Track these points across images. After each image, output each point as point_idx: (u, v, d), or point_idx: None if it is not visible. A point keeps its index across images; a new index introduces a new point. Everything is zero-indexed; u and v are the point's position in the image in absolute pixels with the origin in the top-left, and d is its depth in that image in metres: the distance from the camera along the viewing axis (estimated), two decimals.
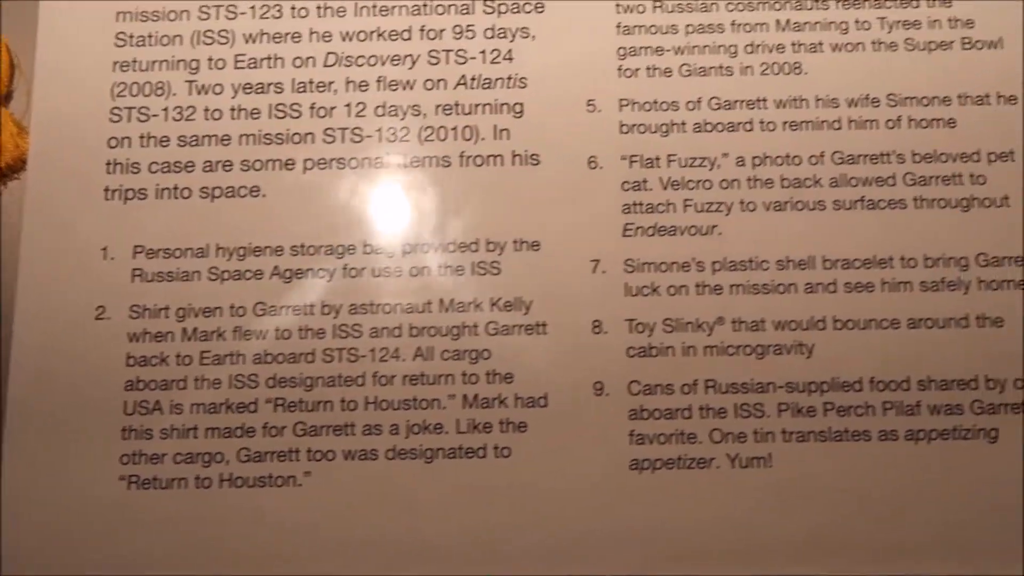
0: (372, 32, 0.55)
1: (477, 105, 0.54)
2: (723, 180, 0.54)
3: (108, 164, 0.53)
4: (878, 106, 0.54)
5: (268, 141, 0.54)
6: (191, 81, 0.55)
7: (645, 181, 0.53)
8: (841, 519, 0.50)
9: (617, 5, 0.56)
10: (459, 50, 0.55)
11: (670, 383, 0.52)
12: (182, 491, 0.51)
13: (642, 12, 0.56)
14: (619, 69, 0.55)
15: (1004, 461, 0.51)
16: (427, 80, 0.55)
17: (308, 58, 0.55)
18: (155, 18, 0.56)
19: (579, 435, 0.51)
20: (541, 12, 0.56)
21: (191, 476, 0.51)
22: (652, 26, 0.55)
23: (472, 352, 0.52)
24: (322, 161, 0.54)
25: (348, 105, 0.54)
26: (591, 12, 0.55)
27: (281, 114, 0.54)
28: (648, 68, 0.55)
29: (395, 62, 0.55)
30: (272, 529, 0.50)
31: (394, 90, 0.55)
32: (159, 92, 0.55)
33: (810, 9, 0.56)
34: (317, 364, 0.52)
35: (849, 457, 0.51)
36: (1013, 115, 0.54)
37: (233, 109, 0.54)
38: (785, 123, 0.54)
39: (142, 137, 0.54)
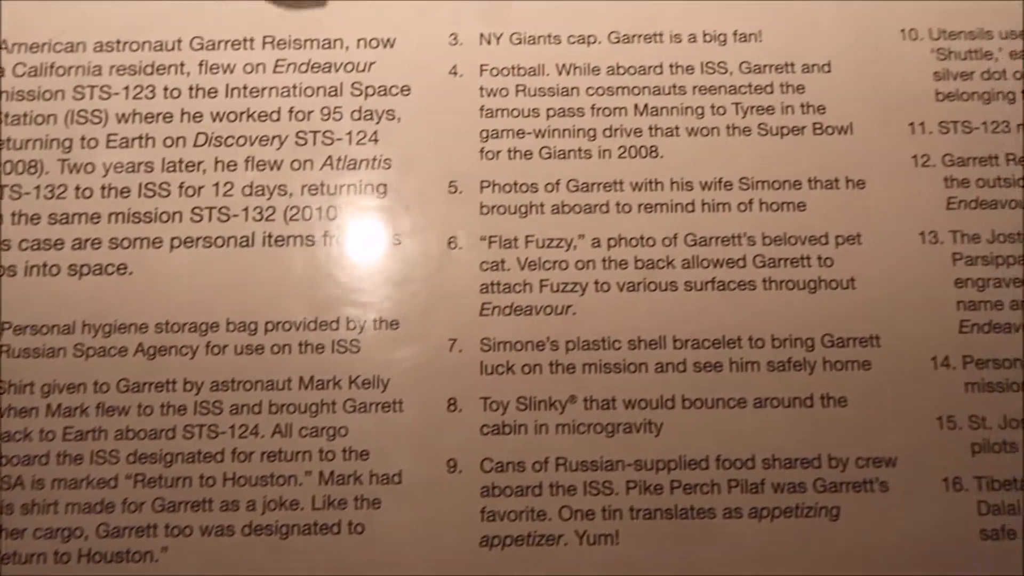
0: (242, 113, 0.57)
1: (342, 186, 0.56)
2: (579, 261, 0.55)
3: None
4: (731, 189, 0.56)
5: (137, 219, 0.55)
6: (63, 160, 0.56)
7: (503, 261, 0.55)
8: None
9: (481, 89, 0.57)
10: (326, 131, 0.57)
11: (522, 460, 0.53)
12: (41, 565, 0.51)
13: (505, 96, 0.57)
14: (481, 151, 0.56)
15: (845, 539, 0.52)
16: (294, 160, 0.56)
17: (179, 138, 0.56)
18: (31, 97, 0.57)
19: (431, 512, 0.52)
20: (407, 95, 0.57)
21: (50, 551, 0.52)
22: (515, 109, 0.57)
23: (330, 429, 0.53)
24: (188, 239, 0.55)
25: (216, 184, 0.56)
26: (456, 95, 0.57)
27: (151, 193, 0.56)
28: (509, 151, 0.56)
29: (263, 143, 0.56)
30: None
31: (261, 170, 0.56)
32: (32, 170, 0.56)
33: (668, 94, 0.57)
34: (177, 440, 0.53)
35: (694, 535, 0.52)
36: (861, 199, 0.56)
37: (104, 187, 0.56)
38: (640, 205, 0.56)
39: (13, 215, 0.55)
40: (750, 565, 0.52)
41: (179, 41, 0.57)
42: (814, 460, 0.53)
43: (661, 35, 0.58)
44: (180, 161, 0.56)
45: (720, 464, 0.53)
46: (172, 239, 0.55)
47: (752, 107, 0.57)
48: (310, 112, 0.57)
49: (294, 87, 0.57)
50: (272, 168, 0.56)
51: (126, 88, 0.57)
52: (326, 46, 0.58)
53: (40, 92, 0.57)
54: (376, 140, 0.57)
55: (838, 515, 0.52)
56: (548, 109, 0.57)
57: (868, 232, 0.56)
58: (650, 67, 0.58)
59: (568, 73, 0.58)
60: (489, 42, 0.58)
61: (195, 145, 0.56)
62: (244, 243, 0.55)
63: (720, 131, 0.57)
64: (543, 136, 0.57)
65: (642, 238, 0.55)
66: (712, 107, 0.57)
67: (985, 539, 0.52)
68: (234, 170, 0.56)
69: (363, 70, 0.57)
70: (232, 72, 0.57)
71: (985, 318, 0.55)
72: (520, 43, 0.58)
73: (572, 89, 0.57)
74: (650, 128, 0.57)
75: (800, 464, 0.53)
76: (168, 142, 0.57)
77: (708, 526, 0.52)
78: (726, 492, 0.53)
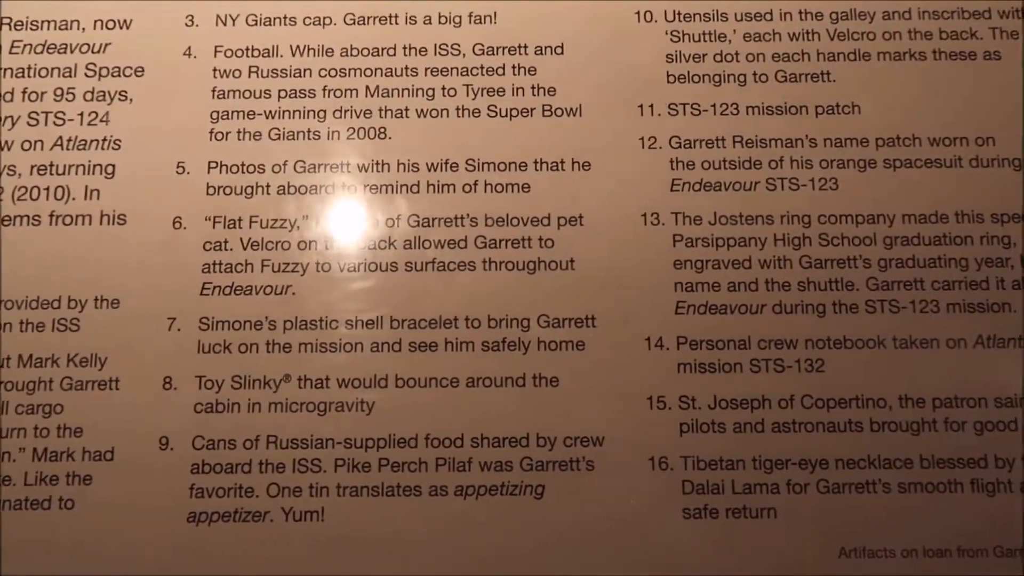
0: None
1: (71, 166, 0.56)
2: (301, 242, 0.56)
3: None
4: (456, 171, 0.56)
5: None
6: None
7: (226, 241, 0.55)
8: (389, 572, 0.52)
9: (215, 70, 0.58)
10: (58, 112, 0.57)
11: (233, 439, 0.53)
12: None
13: (238, 77, 0.57)
14: (211, 132, 0.57)
15: (549, 517, 0.53)
16: (24, 141, 0.56)
17: None
18: None
19: (141, 489, 0.53)
20: (141, 76, 0.57)
21: None
22: (247, 91, 0.57)
23: (46, 406, 0.54)
24: None
25: None
26: (189, 76, 0.57)
27: None
28: (239, 132, 0.57)
29: None
30: None
31: None
32: None
33: (400, 76, 0.58)
34: None
35: (399, 511, 0.53)
36: (586, 180, 0.56)
37: None
38: (366, 186, 0.56)
39: None
40: (454, 541, 0.52)
41: None
42: (522, 439, 0.54)
43: (396, 17, 0.59)
44: None
45: (429, 443, 0.54)
46: None
47: (483, 89, 0.58)
48: (43, 93, 0.57)
49: (28, 68, 0.57)
50: (4, 149, 0.56)
51: None
52: (63, 27, 0.58)
53: None
54: (107, 121, 0.57)
55: (542, 493, 0.53)
56: (280, 90, 0.57)
57: (591, 214, 0.56)
58: (383, 49, 0.58)
59: (302, 55, 0.58)
60: (225, 23, 0.58)
61: None
62: None
63: (450, 112, 0.57)
64: (273, 117, 0.57)
65: (366, 219, 0.56)
66: (443, 89, 0.58)
67: (687, 517, 0.53)
68: None
69: (98, 51, 0.58)
70: None
71: (702, 299, 0.55)
72: (256, 24, 0.58)
73: (305, 71, 0.58)
74: (380, 109, 0.57)
75: (508, 443, 0.54)
76: None
77: (413, 503, 0.53)
78: (433, 470, 0.53)
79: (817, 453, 0.54)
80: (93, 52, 0.58)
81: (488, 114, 0.58)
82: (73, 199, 0.56)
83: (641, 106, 0.58)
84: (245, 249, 0.56)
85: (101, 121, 0.57)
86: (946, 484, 0.53)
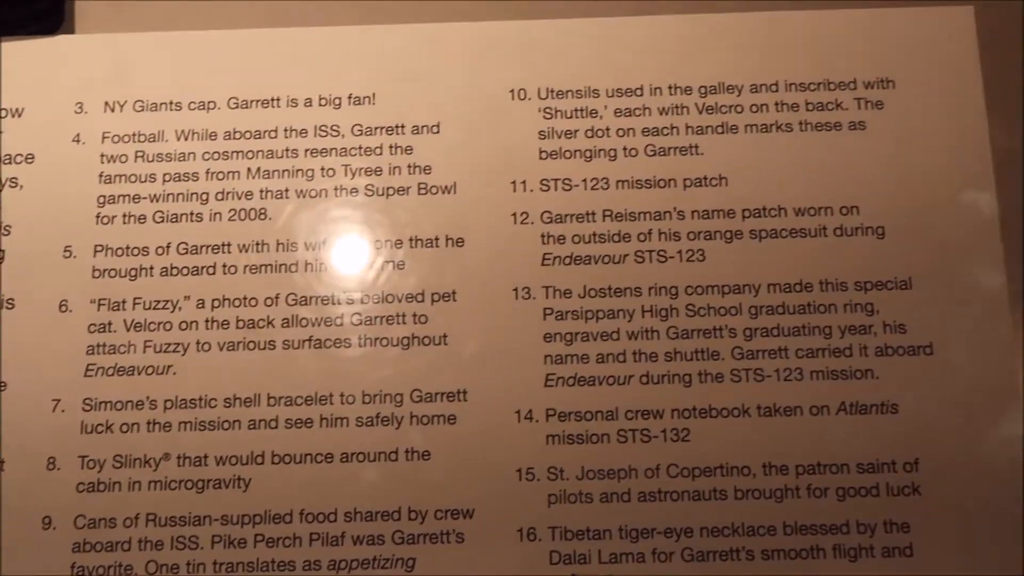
0: None
1: None
2: (183, 322, 0.57)
3: None
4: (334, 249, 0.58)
5: None
6: None
7: (110, 323, 0.57)
8: None
9: (102, 155, 0.60)
10: None
11: (113, 517, 0.55)
12: None
13: (124, 162, 0.60)
14: (97, 216, 0.59)
15: None
16: None
17: None
18: None
19: (25, 569, 0.55)
20: (31, 163, 0.60)
21: None
22: (132, 175, 0.59)
23: None
24: None
25: None
26: (77, 162, 0.60)
27: None
28: (124, 215, 0.59)
29: None
30: None
31: None
32: None
33: (280, 157, 0.60)
34: None
35: None
36: (459, 256, 0.58)
37: None
38: (246, 266, 0.58)
39: None
40: None
41: None
42: (394, 513, 0.55)
43: (278, 100, 0.60)
44: None
45: (303, 518, 0.55)
46: None
47: (361, 168, 0.59)
48: None
49: None
50: None
51: None
52: None
53: None
54: None
55: (413, 566, 0.54)
56: (165, 174, 0.59)
57: (463, 289, 0.58)
58: (265, 131, 0.60)
59: (187, 139, 0.60)
60: (113, 110, 0.60)
61: None
62: None
63: (328, 193, 0.59)
64: (158, 201, 0.59)
65: (245, 298, 0.58)
66: (322, 169, 0.60)
67: None
68: None
69: None
70: None
71: (571, 372, 0.57)
72: (143, 110, 0.60)
73: (189, 154, 0.60)
74: (261, 191, 0.59)
75: (380, 517, 0.55)
76: None
77: None
78: (307, 545, 0.55)
79: (682, 522, 0.55)
80: None
81: (365, 193, 0.59)
82: None
83: (514, 182, 0.59)
84: (128, 330, 0.57)
85: None
86: (808, 550, 0.55)
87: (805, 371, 0.57)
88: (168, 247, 0.59)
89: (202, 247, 0.59)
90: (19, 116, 0.61)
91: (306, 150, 0.60)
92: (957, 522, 0.55)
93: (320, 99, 0.61)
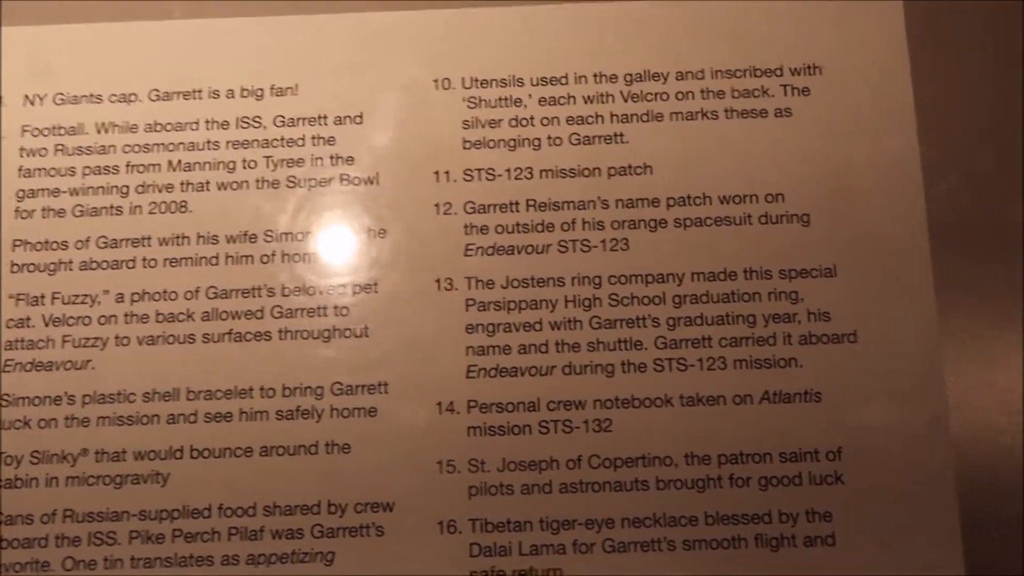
0: None
1: None
2: (101, 316, 0.57)
3: None
4: (255, 242, 0.58)
5: None
6: None
7: (29, 319, 0.57)
8: None
9: (21, 149, 0.59)
10: None
11: (31, 513, 0.55)
12: None
13: (43, 156, 0.59)
14: (16, 211, 0.58)
15: None
16: None
17: None
18: None
19: None
20: None
21: None
22: (52, 169, 0.59)
23: None
24: None
25: None
26: None
27: None
28: (43, 209, 0.58)
29: None
30: None
31: None
32: None
33: (201, 150, 0.59)
34: None
35: None
36: (380, 248, 0.58)
37: None
38: (166, 260, 0.58)
39: None
40: None
41: None
42: (314, 507, 0.55)
43: (200, 92, 0.60)
44: None
45: (222, 512, 0.55)
46: None
47: (283, 160, 0.59)
48: None
49: None
50: None
51: None
52: None
53: None
54: None
55: (332, 560, 0.54)
56: (84, 167, 0.59)
57: (385, 281, 0.57)
58: (187, 123, 0.59)
59: (107, 131, 0.59)
60: (33, 103, 0.60)
61: None
62: None
63: (250, 185, 0.59)
64: (77, 194, 0.58)
65: (165, 292, 0.57)
66: (244, 161, 0.59)
67: None
68: None
69: None
70: None
71: (493, 363, 0.56)
72: (63, 103, 0.60)
73: (109, 147, 0.59)
74: (181, 183, 0.59)
75: (300, 511, 0.55)
76: None
77: (205, 573, 0.54)
78: (226, 540, 0.54)
79: (603, 513, 0.55)
80: None
81: (287, 185, 0.59)
82: None
83: (437, 172, 0.59)
84: (47, 325, 0.57)
85: None
86: (730, 540, 0.54)
87: (728, 360, 0.56)
88: (87, 241, 0.58)
89: (122, 240, 0.58)
90: None
91: (228, 142, 0.59)
92: (880, 511, 0.54)
93: (242, 90, 0.60)
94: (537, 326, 0.57)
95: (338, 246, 0.58)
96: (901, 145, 0.58)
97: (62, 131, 0.60)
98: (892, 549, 0.54)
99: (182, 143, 0.60)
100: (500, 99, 0.60)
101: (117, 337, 0.57)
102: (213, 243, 0.58)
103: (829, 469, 0.55)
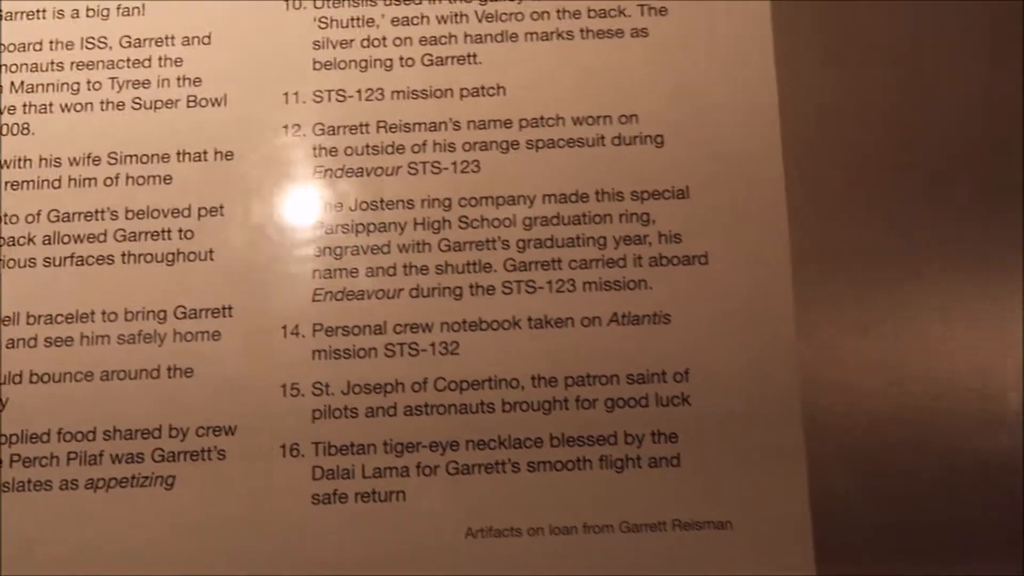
0: None
1: None
2: None
3: None
4: (99, 164, 0.56)
5: None
6: None
7: None
8: (16, 572, 0.52)
9: None
10: None
11: None
12: None
13: None
14: None
15: (179, 507, 0.53)
16: None
17: None
18: None
19: None
20: None
21: None
22: None
23: None
24: None
25: None
26: None
27: None
28: None
29: None
30: None
31: None
32: None
33: (45, 71, 0.58)
34: None
35: (29, 507, 0.53)
36: (227, 170, 0.57)
37: None
38: (8, 183, 0.56)
39: None
40: (82, 536, 0.53)
41: None
42: (155, 431, 0.54)
43: (44, 11, 0.58)
44: None
45: (61, 437, 0.54)
46: None
47: (129, 81, 0.58)
48: None
49: None
50: None
51: None
52: None
53: None
54: None
55: (173, 484, 0.53)
56: None
57: (231, 203, 0.56)
58: (30, 44, 0.58)
59: None
60: None
61: None
62: None
63: (94, 106, 0.57)
64: None
65: (6, 216, 0.56)
66: (88, 83, 0.58)
67: (316, 503, 0.53)
68: None
69: None
70: None
71: (339, 286, 0.55)
72: None
73: None
74: (24, 105, 0.57)
75: (140, 435, 0.54)
76: None
77: (43, 498, 0.53)
78: (65, 464, 0.53)
79: (448, 435, 0.54)
80: None
81: (132, 107, 0.58)
82: None
83: (286, 94, 0.58)
84: None
85: None
86: (575, 462, 0.54)
87: (578, 282, 0.55)
88: None
89: None
90: None
91: (72, 63, 0.58)
92: (726, 433, 0.54)
93: (88, 10, 0.59)
94: (385, 249, 0.56)
95: (184, 168, 0.57)
96: (757, 67, 0.58)
97: None
98: (737, 471, 0.54)
99: (25, 64, 0.58)
100: (352, 19, 0.59)
101: None
102: (56, 166, 0.57)
103: (676, 391, 0.55)
